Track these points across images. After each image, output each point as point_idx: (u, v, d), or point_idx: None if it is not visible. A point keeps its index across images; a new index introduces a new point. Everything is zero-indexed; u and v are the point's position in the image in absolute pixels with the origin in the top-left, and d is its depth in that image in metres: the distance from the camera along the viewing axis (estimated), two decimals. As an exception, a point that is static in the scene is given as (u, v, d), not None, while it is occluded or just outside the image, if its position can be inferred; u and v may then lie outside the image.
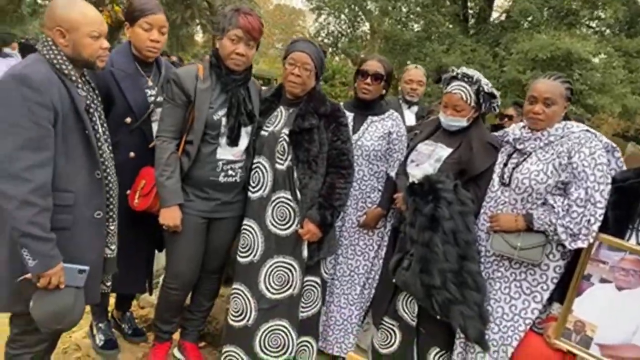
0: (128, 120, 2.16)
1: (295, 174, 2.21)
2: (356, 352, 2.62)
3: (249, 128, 2.23)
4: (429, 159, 2.26)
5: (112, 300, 2.58)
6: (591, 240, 1.85)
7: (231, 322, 2.36)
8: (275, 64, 22.80)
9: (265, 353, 2.30)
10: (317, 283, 2.37)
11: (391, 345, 2.36)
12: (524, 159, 2.03)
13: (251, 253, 2.31)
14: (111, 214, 1.88)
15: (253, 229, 2.30)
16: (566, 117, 2.09)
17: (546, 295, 1.97)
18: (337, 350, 2.60)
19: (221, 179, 2.19)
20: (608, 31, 13.41)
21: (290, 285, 2.27)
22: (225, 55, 2.12)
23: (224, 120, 2.15)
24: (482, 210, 2.13)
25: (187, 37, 14.74)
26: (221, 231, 2.31)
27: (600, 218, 1.83)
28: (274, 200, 2.25)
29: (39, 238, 1.58)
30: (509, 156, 2.11)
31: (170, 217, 2.12)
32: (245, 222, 2.32)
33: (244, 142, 2.22)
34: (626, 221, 1.88)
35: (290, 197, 2.23)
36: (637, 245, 1.83)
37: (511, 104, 4.18)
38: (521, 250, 1.94)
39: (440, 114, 2.31)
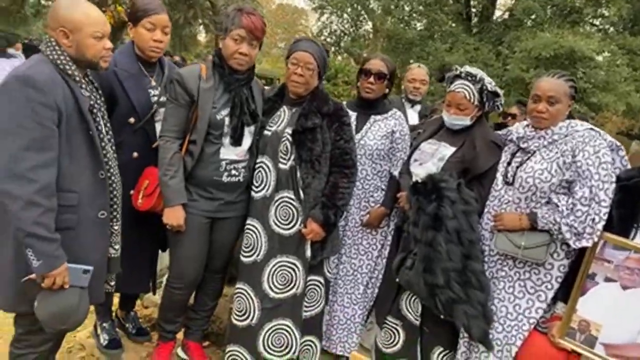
0: (131, 120, 2.16)
1: (298, 174, 2.21)
2: (359, 351, 2.62)
3: (252, 128, 2.23)
4: (432, 158, 2.25)
5: (116, 299, 2.59)
6: (596, 239, 1.84)
7: (235, 322, 2.36)
8: (278, 64, 22.80)
9: (268, 352, 2.30)
10: (320, 282, 2.37)
11: (395, 345, 2.35)
12: (528, 158, 2.02)
13: (254, 253, 2.31)
14: (115, 213, 1.89)
15: (256, 228, 2.30)
16: (570, 116, 2.08)
17: (550, 294, 1.96)
18: (340, 349, 2.60)
19: (224, 178, 2.20)
20: (612, 29, 13.35)
21: (294, 285, 2.28)
22: (228, 55, 2.12)
23: (227, 120, 2.15)
24: (485, 210, 2.13)
25: (189, 37, 14.75)
26: (224, 231, 2.32)
27: (605, 217, 1.83)
28: (277, 200, 2.25)
29: (44, 238, 1.59)
30: (513, 155, 2.10)
31: (173, 216, 2.12)
32: (248, 221, 2.32)
33: (247, 141, 2.22)
34: (631, 220, 1.87)
35: (293, 196, 2.23)
36: (642, 244, 1.82)
37: (514, 102, 4.17)
38: (525, 250, 1.94)
39: (443, 113, 2.30)
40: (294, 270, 2.27)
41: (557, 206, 1.88)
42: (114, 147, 1.91)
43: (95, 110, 1.79)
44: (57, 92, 1.64)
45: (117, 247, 1.93)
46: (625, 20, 12.63)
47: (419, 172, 2.25)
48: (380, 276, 2.58)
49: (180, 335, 2.51)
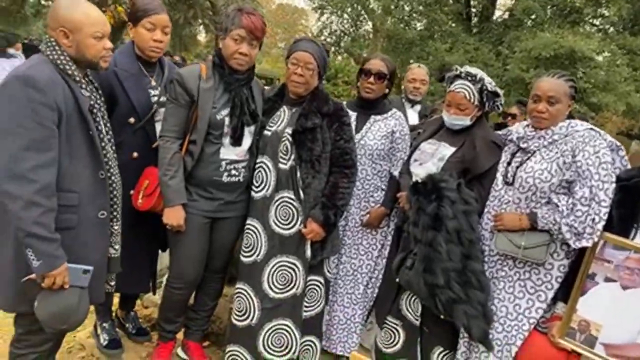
0: (131, 120, 2.16)
1: (298, 174, 2.21)
2: (359, 351, 2.62)
3: (252, 128, 2.23)
4: (432, 158, 2.25)
5: (116, 299, 2.59)
6: (596, 239, 1.84)
7: (235, 322, 2.36)
8: (278, 64, 22.81)
9: (269, 352, 2.30)
10: (320, 282, 2.37)
11: (395, 345, 2.35)
12: (528, 158, 2.02)
13: (254, 253, 2.31)
14: (115, 213, 1.89)
15: (256, 228, 2.30)
16: (570, 116, 2.08)
17: (550, 294, 1.96)
18: (340, 349, 2.60)
19: (224, 178, 2.20)
20: (612, 29, 13.35)
21: (294, 285, 2.28)
22: (228, 55, 2.12)
23: (227, 120, 2.15)
24: (485, 210, 2.13)
25: (189, 37, 14.74)
26: (224, 231, 2.32)
27: (605, 217, 1.82)
28: (277, 200, 2.25)
29: (44, 238, 1.59)
30: (513, 155, 2.10)
31: (173, 216, 2.12)
32: (248, 221, 2.32)
33: (247, 141, 2.22)
34: (631, 220, 1.87)
35: (293, 196, 2.23)
36: (642, 244, 1.82)
37: (514, 102, 4.16)
38: (525, 250, 1.94)
39: (443, 113, 2.30)
40: (294, 270, 2.27)
41: (557, 206, 1.88)
42: (114, 147, 1.91)
43: (95, 110, 1.79)
44: (58, 92, 1.64)
45: (117, 247, 1.93)
46: (625, 20, 12.63)
47: (419, 172, 2.25)
48: (380, 276, 2.58)
49: (180, 335, 2.51)
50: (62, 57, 1.70)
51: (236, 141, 2.17)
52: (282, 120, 2.27)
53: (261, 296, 2.29)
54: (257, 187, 2.29)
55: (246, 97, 2.18)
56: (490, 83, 2.19)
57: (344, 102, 2.47)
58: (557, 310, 1.97)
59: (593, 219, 1.82)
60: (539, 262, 1.95)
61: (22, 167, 1.56)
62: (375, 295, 2.60)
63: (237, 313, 2.36)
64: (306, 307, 2.35)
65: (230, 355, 2.37)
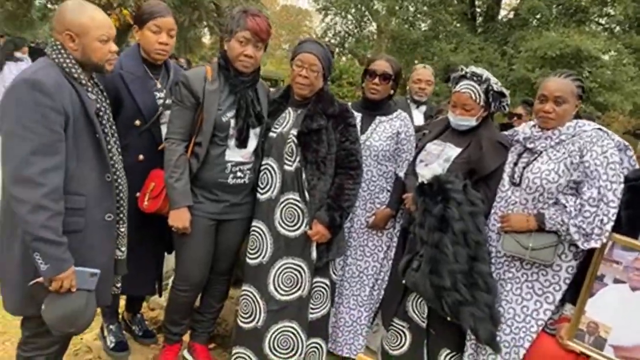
0: (137, 122, 2.17)
1: (303, 175, 2.20)
2: (366, 353, 2.61)
3: (258, 129, 2.23)
4: (438, 159, 2.24)
5: (122, 302, 2.60)
6: (604, 240, 1.82)
7: (241, 324, 2.36)
8: (282, 65, 22.82)
9: (275, 355, 2.30)
10: (326, 284, 2.36)
11: (401, 347, 2.34)
12: (535, 158, 2.01)
13: (260, 254, 2.30)
14: (121, 216, 1.89)
15: (262, 230, 2.29)
16: (577, 116, 2.07)
17: (558, 296, 1.94)
18: (346, 351, 2.59)
19: (230, 180, 2.20)
20: (618, 28, 13.27)
21: (300, 287, 2.27)
22: (234, 57, 2.12)
23: (232, 121, 2.15)
24: (492, 211, 2.11)
25: (194, 40, 14.79)
26: (230, 233, 2.32)
27: (613, 217, 1.81)
28: (282, 202, 2.25)
29: (52, 242, 1.59)
30: (519, 155, 2.09)
31: (179, 219, 2.12)
32: (254, 223, 2.32)
33: (252, 143, 2.22)
34: (639, 220, 1.85)
35: (298, 198, 2.23)
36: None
37: (520, 102, 4.15)
38: (533, 251, 1.92)
39: (449, 114, 2.29)
40: (299, 272, 2.27)
41: (565, 207, 1.87)
42: (119, 150, 1.91)
43: (101, 114, 1.80)
44: (64, 96, 1.64)
45: (123, 249, 1.94)
46: (632, 19, 12.53)
47: (425, 173, 2.24)
48: (386, 278, 2.57)
49: (186, 338, 2.51)
50: (68, 61, 1.70)
51: (242, 143, 2.17)
52: (287, 122, 2.27)
53: (267, 298, 2.29)
54: (262, 189, 2.29)
55: (251, 99, 2.18)
56: (496, 83, 2.18)
57: (349, 103, 2.47)
58: (565, 311, 1.95)
59: (601, 220, 1.80)
60: (547, 263, 1.94)
61: (29, 171, 1.56)
62: (381, 297, 2.59)
63: (242, 315, 2.36)
64: (312, 309, 2.34)
65: (236, 358, 2.37)
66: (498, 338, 2.00)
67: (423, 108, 3.55)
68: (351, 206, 2.28)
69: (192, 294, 2.34)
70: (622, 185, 1.83)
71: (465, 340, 2.15)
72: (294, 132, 2.20)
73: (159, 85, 2.26)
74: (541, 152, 2.00)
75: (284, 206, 2.25)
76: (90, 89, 1.77)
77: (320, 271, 2.31)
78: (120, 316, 2.58)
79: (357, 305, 2.57)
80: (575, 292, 1.91)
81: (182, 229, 2.14)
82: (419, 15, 15.23)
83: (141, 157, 2.20)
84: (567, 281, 1.93)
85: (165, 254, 2.50)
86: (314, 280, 2.30)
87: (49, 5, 13.33)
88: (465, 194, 2.01)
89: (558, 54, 10.51)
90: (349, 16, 16.96)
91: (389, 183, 2.54)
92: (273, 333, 2.29)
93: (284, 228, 2.26)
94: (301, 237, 2.24)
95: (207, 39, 17.15)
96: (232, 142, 2.17)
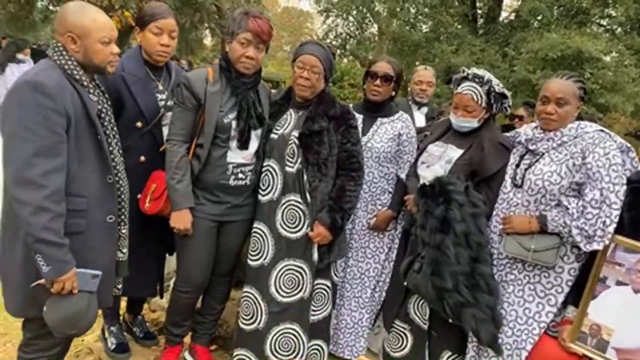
0: (139, 124, 2.17)
1: (305, 177, 2.20)
2: (367, 355, 2.61)
3: (259, 131, 2.23)
4: (440, 161, 2.24)
5: (123, 303, 2.60)
6: (607, 242, 1.82)
7: (242, 326, 2.36)
8: (284, 67, 22.85)
9: (276, 356, 2.29)
10: (327, 286, 2.36)
11: (403, 349, 2.34)
12: (537, 160, 2.01)
13: (261, 256, 2.30)
14: (122, 217, 1.90)
15: (263, 232, 2.29)
16: (579, 117, 2.06)
17: (561, 298, 1.94)
18: (348, 353, 2.59)
19: (231, 182, 2.20)
20: (619, 29, 13.26)
21: (301, 289, 2.27)
22: (235, 59, 2.13)
23: (234, 123, 2.15)
24: (494, 212, 2.11)
25: (196, 41, 14.81)
26: (231, 234, 2.31)
27: (616, 219, 1.80)
28: (283, 203, 2.25)
29: (53, 244, 1.59)
30: (521, 157, 2.08)
31: (181, 220, 2.12)
32: (255, 225, 2.32)
33: (254, 145, 2.22)
34: (642, 222, 1.84)
35: (300, 199, 2.23)
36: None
37: (521, 104, 4.14)
38: (535, 253, 1.92)
39: (450, 115, 2.29)
40: (301, 273, 2.26)
41: (567, 209, 1.86)
42: (121, 151, 1.91)
43: (102, 115, 1.80)
44: (66, 98, 1.64)
45: (124, 250, 1.94)
46: (633, 20, 12.52)
47: (426, 174, 2.23)
48: (388, 279, 2.57)
49: (187, 339, 2.50)
50: (69, 62, 1.70)
51: (243, 144, 2.17)
52: (288, 124, 2.27)
53: (268, 300, 2.28)
54: (263, 190, 2.29)
55: (253, 101, 2.18)
56: (497, 85, 2.18)
57: (350, 105, 2.47)
58: (567, 314, 1.95)
59: (604, 222, 1.79)
60: (549, 265, 1.93)
61: (31, 173, 1.56)
62: (382, 298, 2.59)
63: (244, 317, 2.35)
64: (313, 311, 2.34)
65: (237, 359, 2.36)
66: (500, 340, 1.99)
67: (424, 109, 3.55)
68: (352, 208, 2.28)
69: (194, 295, 2.34)
70: (624, 187, 1.83)
71: (467, 342, 2.15)
72: (296, 133, 2.20)
73: (160, 87, 2.26)
74: (543, 154, 2.00)
75: (285, 208, 2.25)
76: (91, 91, 1.77)
77: (321, 273, 2.31)
78: (121, 318, 2.58)
79: (358, 307, 2.57)
80: (578, 294, 1.91)
81: (183, 230, 2.14)
82: (420, 17, 15.24)
83: (143, 158, 2.20)
84: (570, 283, 1.93)
85: (167, 255, 2.50)
86: (316, 282, 2.30)
87: (51, 7, 13.36)
88: (467, 195, 2.01)
89: (559, 55, 10.50)
90: (350, 18, 16.97)
91: (391, 185, 2.54)
92: (274, 335, 2.29)
93: (285, 230, 2.25)
94: (302, 238, 2.24)
95: (208, 41, 17.18)
96: (233, 144, 2.17)
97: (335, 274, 2.41)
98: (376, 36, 16.83)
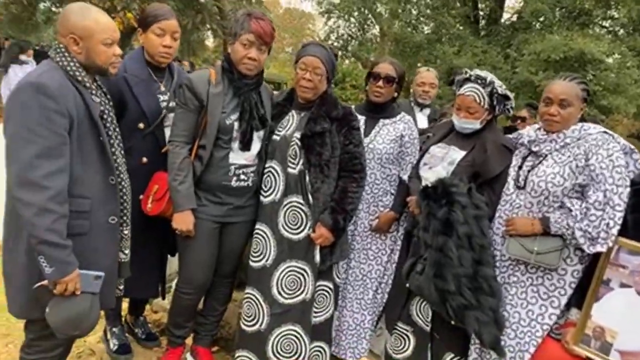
0: (141, 125, 2.17)
1: (307, 178, 2.20)
2: (369, 357, 2.60)
3: (261, 132, 2.23)
4: (442, 162, 2.23)
5: (125, 304, 2.60)
6: (610, 244, 1.81)
7: (244, 327, 2.35)
8: (285, 68, 22.88)
9: (278, 358, 2.29)
10: (329, 288, 2.35)
11: (405, 351, 2.33)
12: (540, 162, 2.00)
13: (263, 257, 2.30)
14: (125, 218, 1.90)
15: (265, 233, 2.29)
16: (582, 119, 2.06)
17: (564, 300, 1.93)
18: (350, 355, 2.58)
19: (233, 183, 2.20)
20: (622, 31, 13.24)
21: (303, 290, 2.26)
22: (237, 60, 2.13)
23: (236, 124, 2.15)
24: (497, 214, 2.10)
25: (198, 42, 14.84)
26: (234, 235, 2.31)
27: (620, 221, 1.79)
28: (286, 205, 2.24)
29: (56, 245, 1.59)
30: (524, 159, 2.08)
31: (183, 221, 2.12)
32: (257, 226, 2.32)
33: (256, 146, 2.22)
34: (646, 225, 1.83)
35: (302, 201, 2.23)
36: (658, 249, 1.79)
37: (524, 105, 4.13)
38: (538, 255, 1.91)
39: (453, 117, 2.28)
40: (303, 275, 2.26)
41: (571, 211, 1.86)
42: (123, 152, 1.91)
43: (105, 116, 1.80)
44: (69, 99, 1.65)
45: (127, 251, 1.94)
46: (635, 21, 12.50)
47: (429, 176, 2.23)
48: (390, 281, 2.56)
49: (189, 341, 2.50)
50: (72, 64, 1.71)
51: (245, 146, 2.17)
52: (291, 125, 2.27)
53: (270, 301, 2.28)
54: (265, 191, 2.29)
55: (255, 102, 2.18)
56: (500, 86, 2.17)
57: (353, 106, 2.46)
58: (570, 316, 1.94)
59: (607, 224, 1.79)
60: (552, 267, 1.92)
61: (34, 174, 1.56)
62: (384, 300, 2.58)
63: (246, 318, 2.35)
64: (315, 312, 2.33)
65: (239, 361, 2.36)
66: (503, 342, 1.98)
67: (427, 111, 3.55)
68: (355, 209, 2.28)
69: (196, 296, 2.33)
70: (628, 189, 1.82)
71: (469, 345, 2.14)
72: (298, 135, 2.20)
73: (162, 88, 2.26)
74: (546, 156, 1.99)
75: (287, 209, 2.24)
76: (94, 92, 1.78)
77: (323, 274, 2.31)
78: (123, 319, 2.58)
79: (360, 309, 2.56)
80: (581, 296, 1.90)
81: (186, 231, 2.14)
82: (421, 18, 15.24)
83: (145, 159, 2.20)
84: (573, 285, 1.92)
85: (169, 256, 2.50)
86: (318, 283, 2.29)
87: (54, 9, 13.40)
88: (470, 197, 2.00)
89: (561, 57, 10.49)
90: (352, 19, 16.98)
91: (393, 186, 2.53)
92: (276, 336, 2.28)
93: (287, 231, 2.25)
94: (305, 240, 2.24)
95: (210, 42, 17.21)
96: (235, 145, 2.17)
97: (338, 276, 2.40)
98: (378, 37, 16.84)
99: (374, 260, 2.56)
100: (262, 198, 2.30)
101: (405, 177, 2.49)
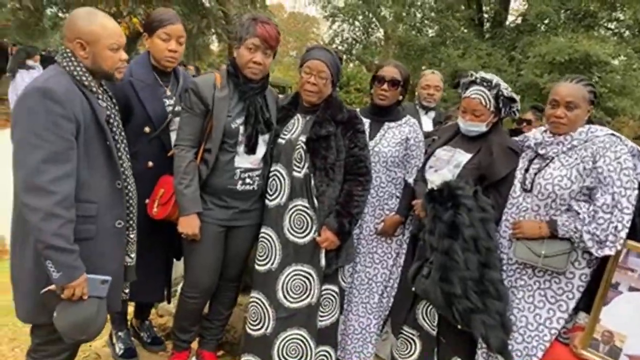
0: (147, 129, 2.18)
1: (312, 182, 2.20)
2: (375, 361, 2.59)
3: (267, 136, 2.23)
4: (448, 165, 2.23)
5: (131, 309, 2.60)
6: (619, 247, 1.80)
7: (249, 331, 2.35)
8: (290, 72, 22.93)
9: (283, 362, 2.28)
10: (335, 292, 2.34)
11: (411, 355, 2.32)
12: (547, 164, 1.99)
13: (269, 261, 2.30)
14: (131, 222, 1.90)
15: (271, 237, 2.29)
16: (589, 121, 2.04)
17: (572, 304, 1.91)
18: (355, 359, 2.57)
19: (239, 187, 2.20)
20: (627, 33, 13.15)
21: (308, 294, 2.26)
22: (243, 64, 2.13)
23: (241, 128, 2.15)
24: (503, 217, 2.09)
25: (203, 47, 14.90)
26: (239, 239, 2.31)
27: (628, 224, 1.78)
28: (291, 208, 2.24)
29: (63, 250, 1.59)
30: (531, 161, 2.07)
31: (188, 225, 2.12)
32: (262, 230, 2.32)
33: (261, 150, 2.22)
34: (654, 227, 1.82)
35: (307, 204, 2.22)
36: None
37: (529, 108, 4.11)
38: (545, 258, 1.90)
39: (459, 119, 2.28)
40: (308, 279, 2.25)
41: (578, 214, 1.84)
42: (129, 157, 1.92)
43: (111, 121, 1.81)
44: (75, 104, 1.65)
45: (133, 255, 1.94)
46: (641, 23, 12.45)
47: (434, 179, 2.22)
48: (396, 285, 2.55)
49: (194, 345, 2.50)
50: (78, 69, 1.71)
51: (251, 149, 2.18)
52: (296, 129, 2.27)
53: (276, 305, 2.28)
54: (271, 195, 2.29)
55: (260, 106, 2.19)
56: (506, 89, 2.17)
57: (357, 110, 2.46)
58: (579, 320, 1.92)
59: (616, 227, 1.77)
60: (560, 271, 1.91)
61: (41, 179, 1.57)
62: (390, 304, 2.57)
63: (251, 322, 2.35)
64: (321, 316, 2.32)
65: (245, 365, 2.35)
66: (510, 347, 1.97)
67: (432, 114, 3.54)
68: (360, 213, 2.27)
69: (201, 300, 2.33)
70: (636, 192, 1.81)
71: (476, 349, 2.12)
72: (303, 138, 2.20)
73: (168, 93, 2.27)
74: (553, 158, 1.98)
75: (292, 213, 2.24)
76: (100, 97, 1.78)
77: (329, 278, 2.30)
78: (129, 323, 2.58)
79: (366, 313, 2.55)
80: (589, 300, 1.88)
81: (191, 235, 2.14)
82: (426, 22, 15.22)
83: (150, 164, 2.21)
84: (581, 289, 1.91)
85: (175, 260, 2.50)
86: (323, 287, 2.29)
87: (60, 14, 13.52)
88: (476, 200, 1.99)
89: (567, 59, 10.43)
90: (357, 23, 16.99)
91: (398, 189, 2.53)
92: (282, 341, 2.28)
93: (292, 235, 2.25)
94: (310, 243, 2.23)
95: (215, 46, 17.28)
96: (241, 149, 2.17)
97: (343, 280, 2.39)
98: (382, 41, 16.83)
99: (380, 264, 2.55)
100: (267, 202, 2.30)
101: (410, 180, 2.48)
